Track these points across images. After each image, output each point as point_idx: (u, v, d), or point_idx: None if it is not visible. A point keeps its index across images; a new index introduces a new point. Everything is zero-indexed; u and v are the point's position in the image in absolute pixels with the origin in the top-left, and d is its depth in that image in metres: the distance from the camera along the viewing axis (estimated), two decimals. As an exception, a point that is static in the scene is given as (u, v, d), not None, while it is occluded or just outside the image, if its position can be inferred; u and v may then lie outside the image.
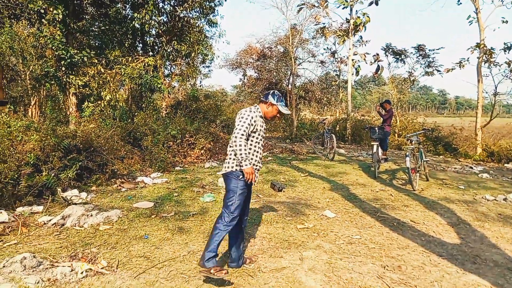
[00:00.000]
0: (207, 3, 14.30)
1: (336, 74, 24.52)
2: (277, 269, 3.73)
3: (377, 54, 19.33)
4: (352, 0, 16.88)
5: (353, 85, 20.20)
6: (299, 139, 18.18)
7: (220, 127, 12.89)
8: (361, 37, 19.42)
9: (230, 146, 3.51)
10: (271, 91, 3.69)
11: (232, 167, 3.50)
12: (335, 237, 4.70)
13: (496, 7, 14.57)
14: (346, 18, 17.85)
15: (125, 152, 8.49)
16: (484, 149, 14.18)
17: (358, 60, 18.83)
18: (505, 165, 12.59)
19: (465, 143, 15.49)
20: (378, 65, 19.47)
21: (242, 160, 3.36)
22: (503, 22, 14.22)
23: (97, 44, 14.24)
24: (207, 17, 15.28)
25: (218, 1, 14.77)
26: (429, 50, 18.21)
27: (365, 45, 19.88)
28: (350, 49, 17.83)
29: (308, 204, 6.24)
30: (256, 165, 3.60)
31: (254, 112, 3.54)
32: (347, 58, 18.65)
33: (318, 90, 24.62)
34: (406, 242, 4.57)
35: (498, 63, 14.35)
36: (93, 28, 14.36)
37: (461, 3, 15.56)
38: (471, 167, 11.20)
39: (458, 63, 15.30)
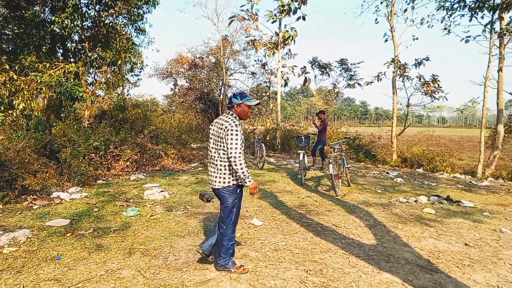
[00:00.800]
0: (135, 10, 13.84)
1: (266, 86, 25.18)
2: (202, 282, 3.64)
3: (304, 67, 20.28)
4: (280, 15, 17.51)
5: (283, 96, 20.91)
6: (231, 149, 18.24)
7: (149, 138, 12.45)
8: (289, 50, 20.24)
9: (221, 161, 3.63)
10: (232, 94, 3.76)
11: (229, 182, 3.66)
12: (261, 245, 4.74)
13: (408, 26, 16.16)
14: (276, 32, 18.45)
15: (38, 166, 7.77)
16: (399, 155, 15.51)
17: (287, 72, 19.58)
18: (417, 170, 13.85)
19: (383, 150, 16.80)
20: (305, 77, 20.43)
21: (245, 178, 3.55)
22: (414, 39, 15.80)
23: (10, 48, 12.99)
24: (135, 24, 14.79)
25: (147, 8, 14.39)
26: (351, 64, 19.57)
27: (293, 58, 20.77)
28: (279, 61, 18.43)
29: (236, 213, 6.25)
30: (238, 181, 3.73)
31: (240, 124, 3.62)
32: (277, 70, 19.26)
33: (249, 100, 25.05)
34: (328, 246, 4.77)
35: (410, 77, 15.87)
36: (6, 31, 13.08)
37: (378, 22, 17.00)
38: (388, 172, 12.14)
39: (376, 77, 16.63)
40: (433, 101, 16.07)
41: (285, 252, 4.49)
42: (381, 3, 16.22)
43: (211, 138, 3.76)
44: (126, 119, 13.56)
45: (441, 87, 15.50)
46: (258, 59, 23.93)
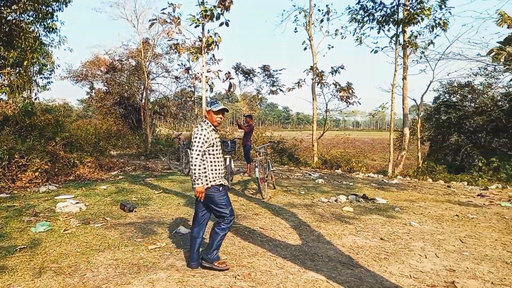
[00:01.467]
0: (44, 8, 12.64)
1: (191, 90, 24.78)
2: (124, 298, 3.39)
3: (229, 72, 20.29)
4: (203, 20, 17.38)
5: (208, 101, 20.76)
6: (154, 155, 17.58)
7: (61, 145, 11.40)
8: (213, 55, 20.15)
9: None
10: (206, 103, 4.06)
11: (207, 184, 3.84)
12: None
13: (324, 36, 17.16)
14: (199, 36, 18.23)
15: None
16: (320, 157, 16.34)
17: (212, 77, 19.47)
18: (336, 170, 14.73)
19: (305, 153, 17.59)
20: (230, 83, 20.53)
21: (195, 179, 3.74)
22: (329, 48, 16.84)
23: None
24: (44, 22, 13.51)
25: (57, 6, 13.24)
26: (273, 70, 20.16)
27: (217, 63, 20.71)
28: (203, 66, 18.26)
29: (161, 222, 5.98)
30: (220, 179, 3.94)
31: (206, 128, 3.84)
32: (201, 75, 19.06)
33: (174, 105, 24.44)
34: (256, 249, 4.79)
35: (328, 83, 16.85)
36: None
37: (297, 31, 17.77)
38: (310, 174, 12.71)
39: (297, 83, 17.35)
40: (348, 106, 17.28)
41: (213, 259, 4.39)
42: (300, 13, 17.04)
43: None
44: (35, 125, 12.27)
45: (354, 93, 16.74)
46: (181, 63, 23.41)
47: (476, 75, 17.40)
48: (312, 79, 16.81)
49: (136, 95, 24.03)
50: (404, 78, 14.72)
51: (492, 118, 16.09)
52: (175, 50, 21.66)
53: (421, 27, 32.99)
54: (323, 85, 16.98)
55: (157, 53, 22.93)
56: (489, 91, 17.51)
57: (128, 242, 4.93)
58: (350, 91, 16.59)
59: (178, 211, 6.71)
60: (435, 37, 14.63)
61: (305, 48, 17.05)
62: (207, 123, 3.93)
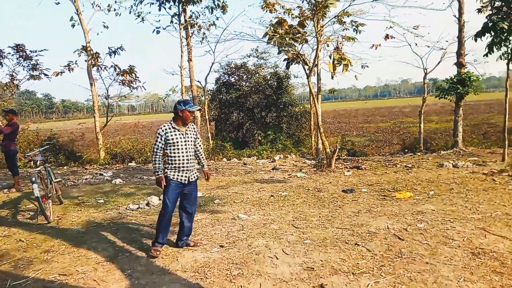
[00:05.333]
0: None
1: None
2: None
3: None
4: None
5: None
6: None
7: None
8: None
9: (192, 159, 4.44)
10: (177, 102, 4.34)
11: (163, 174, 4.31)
12: None
13: (96, 11, 14.69)
14: None
15: None
16: (108, 151, 14.25)
17: None
18: (129, 164, 13.14)
19: (89, 148, 15.00)
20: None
21: (154, 172, 4.30)
22: (105, 27, 14.57)
23: None
24: None
25: None
26: (31, 51, 16.02)
27: None
28: None
29: None
30: (183, 174, 4.35)
31: (165, 126, 4.29)
32: None
33: None
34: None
35: (107, 66, 14.64)
36: None
37: (59, 3, 14.54)
38: (101, 174, 10.71)
39: (66, 66, 14.33)
40: (131, 91, 15.65)
41: None
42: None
43: None
44: None
45: (138, 77, 15.24)
46: None
47: (250, 57, 19.00)
48: (87, 61, 14.24)
49: None
50: (189, 60, 14.34)
51: (265, 95, 18.02)
52: None
53: (202, 7, 33.88)
54: (100, 68, 14.66)
55: None
56: (260, 71, 19.51)
57: None
58: (133, 75, 14.99)
59: None
60: (217, 19, 14.82)
61: (73, 25, 14.19)
62: (171, 122, 4.32)
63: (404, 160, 11.22)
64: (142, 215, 6.17)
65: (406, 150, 15.69)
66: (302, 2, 10.55)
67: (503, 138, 9.45)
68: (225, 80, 19.84)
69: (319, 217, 5.55)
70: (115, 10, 14.67)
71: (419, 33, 14.94)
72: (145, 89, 15.41)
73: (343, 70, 10.71)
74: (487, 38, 9.14)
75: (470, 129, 22.10)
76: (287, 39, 10.10)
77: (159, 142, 4.23)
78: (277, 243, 4.58)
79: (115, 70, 14.78)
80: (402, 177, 8.25)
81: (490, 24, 8.98)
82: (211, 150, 15.01)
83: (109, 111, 15.74)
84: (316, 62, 11.24)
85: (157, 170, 4.23)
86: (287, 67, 11.62)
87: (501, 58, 9.25)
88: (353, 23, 11.11)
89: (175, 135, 4.25)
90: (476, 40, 9.29)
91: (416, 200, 6.15)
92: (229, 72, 19.70)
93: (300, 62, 11.44)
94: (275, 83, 18.75)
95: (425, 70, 16.22)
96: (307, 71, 10.83)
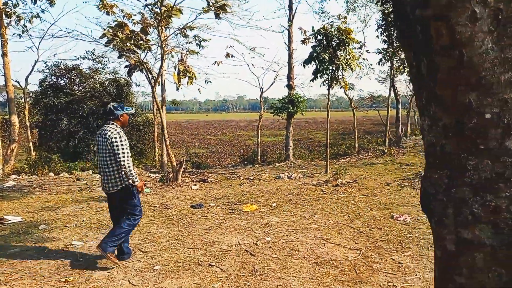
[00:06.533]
0: None
1: None
2: None
3: None
4: None
5: None
6: None
7: None
8: None
9: (110, 167, 4.01)
10: (113, 107, 4.14)
11: (122, 183, 4.06)
12: None
13: None
14: None
15: None
16: None
17: None
18: None
19: None
20: None
21: (135, 178, 4.07)
22: None
23: None
24: None
25: None
26: None
27: None
28: None
29: None
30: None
31: (118, 131, 4.05)
32: None
33: None
34: None
35: None
36: None
37: None
38: None
39: None
40: None
41: None
42: None
43: (97, 149, 4.13)
44: None
45: None
46: None
47: (84, 59, 16.97)
48: None
49: None
50: (4, 54, 11.79)
51: (103, 103, 16.39)
52: None
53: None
54: None
55: None
56: (97, 76, 17.65)
57: None
58: None
59: None
60: (42, 11, 12.66)
61: None
62: (117, 126, 4.13)
63: (246, 172, 11.81)
64: None
65: (245, 162, 16.64)
66: (144, 8, 10.00)
67: (326, 152, 11.00)
68: (52, 82, 17.17)
69: (169, 237, 5.18)
70: None
71: (259, 52, 16.19)
72: None
73: (188, 82, 10.66)
74: (313, 66, 10.54)
75: (296, 144, 25.20)
76: (128, 44, 9.45)
77: (128, 148, 4.08)
78: (122, 272, 4.01)
79: None
80: (246, 189, 8.61)
81: (314, 54, 10.39)
82: (33, 163, 12.61)
83: None
84: (161, 72, 10.82)
85: (135, 175, 4.10)
86: (129, 74, 10.87)
87: (323, 84, 10.81)
88: (197, 38, 11.21)
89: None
90: (304, 67, 10.60)
91: (261, 212, 6.44)
92: (57, 74, 17.15)
93: (143, 70, 10.87)
94: (115, 90, 17.30)
95: (261, 89, 17.68)
96: (152, 80, 10.32)
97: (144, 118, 19.08)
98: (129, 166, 3.99)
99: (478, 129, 1.15)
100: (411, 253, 4.40)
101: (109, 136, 3.97)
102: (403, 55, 15.82)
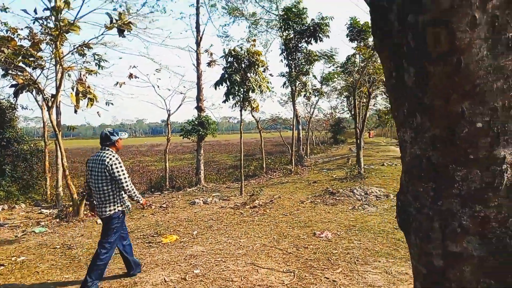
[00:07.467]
0: None
1: None
2: None
3: None
4: None
5: None
6: None
7: None
8: None
9: (105, 192, 4.03)
10: (108, 133, 4.14)
11: (115, 209, 4.09)
12: None
13: None
14: None
15: None
16: None
17: None
18: None
19: None
20: None
21: (139, 198, 4.23)
22: None
23: None
24: None
25: None
26: None
27: None
28: None
29: None
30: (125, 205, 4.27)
31: (116, 156, 4.07)
32: None
33: None
34: None
35: None
36: None
37: None
38: None
39: None
40: None
41: None
42: None
43: (91, 174, 4.07)
44: None
45: None
46: None
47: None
48: None
49: None
50: None
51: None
52: None
53: None
54: None
55: None
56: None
57: None
58: None
59: None
60: None
61: None
62: (113, 151, 4.14)
63: (156, 200, 11.07)
64: None
65: (153, 189, 15.70)
66: (34, 23, 8.86)
67: (240, 173, 10.95)
68: None
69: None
70: None
71: (178, 73, 15.68)
72: None
73: (87, 105, 9.71)
74: (224, 87, 10.54)
75: (204, 167, 24.83)
76: (15, 61, 8.29)
77: (126, 171, 4.11)
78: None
79: None
80: (161, 218, 7.99)
81: (226, 76, 10.42)
82: None
83: None
84: (59, 92, 9.63)
85: (138, 194, 4.19)
86: (16, 95, 9.46)
87: (235, 105, 10.86)
88: (96, 56, 10.40)
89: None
90: (216, 88, 10.54)
91: (183, 242, 5.97)
92: None
93: (33, 90, 9.59)
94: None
95: (169, 111, 17.08)
96: (45, 102, 9.13)
97: (31, 145, 16.73)
98: (132, 189, 4.12)
99: (469, 139, 1.11)
100: (342, 269, 4.47)
101: (108, 163, 3.97)
102: (304, 79, 16.96)
